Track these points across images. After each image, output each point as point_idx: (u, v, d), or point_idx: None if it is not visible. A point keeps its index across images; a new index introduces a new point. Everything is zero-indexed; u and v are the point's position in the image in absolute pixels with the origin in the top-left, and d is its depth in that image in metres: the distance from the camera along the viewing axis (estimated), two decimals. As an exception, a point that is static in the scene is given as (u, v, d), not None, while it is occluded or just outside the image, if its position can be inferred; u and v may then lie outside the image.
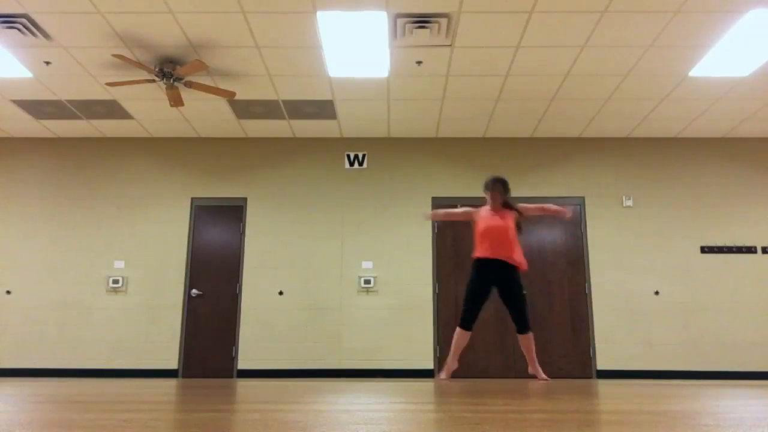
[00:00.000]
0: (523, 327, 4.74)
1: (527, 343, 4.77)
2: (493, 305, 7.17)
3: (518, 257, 4.76)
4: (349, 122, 7.18)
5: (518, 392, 2.49)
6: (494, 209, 4.88)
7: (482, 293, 4.77)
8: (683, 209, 7.37)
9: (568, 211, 4.84)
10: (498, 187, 4.87)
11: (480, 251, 4.80)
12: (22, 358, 7.05)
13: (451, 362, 4.88)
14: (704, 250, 7.24)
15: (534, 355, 4.82)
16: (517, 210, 4.87)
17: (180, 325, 7.13)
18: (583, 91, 6.35)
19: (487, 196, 4.92)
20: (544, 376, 4.91)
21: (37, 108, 6.82)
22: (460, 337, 4.77)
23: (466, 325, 4.75)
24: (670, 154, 7.54)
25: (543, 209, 4.92)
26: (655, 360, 6.98)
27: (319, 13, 4.96)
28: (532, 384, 3.94)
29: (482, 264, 4.78)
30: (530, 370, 4.88)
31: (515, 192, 7.46)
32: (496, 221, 4.78)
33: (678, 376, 6.94)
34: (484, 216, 4.85)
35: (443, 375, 4.93)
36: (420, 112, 6.92)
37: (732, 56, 5.58)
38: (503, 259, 4.74)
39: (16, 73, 6.00)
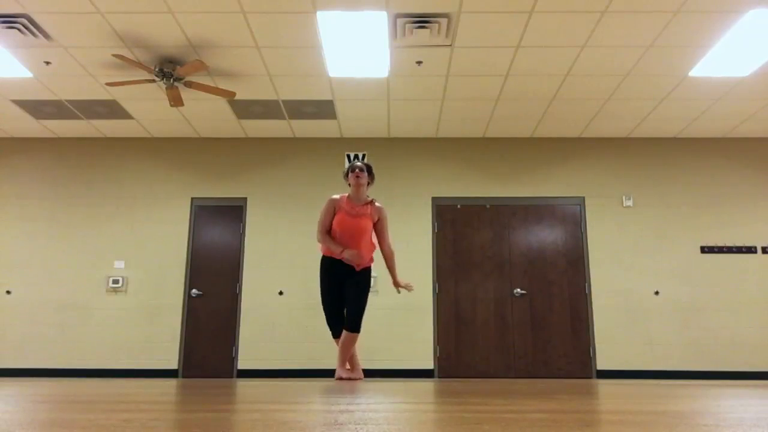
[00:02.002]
0: (355, 326, 4.37)
1: (350, 340, 4.39)
2: (493, 305, 7.18)
3: (369, 256, 4.44)
4: (349, 122, 7.17)
5: (518, 392, 2.49)
6: (356, 199, 4.44)
7: (338, 297, 4.45)
8: (683, 209, 7.37)
9: (403, 285, 4.52)
10: (361, 167, 4.45)
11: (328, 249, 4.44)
12: (22, 358, 7.04)
13: (349, 366, 4.53)
14: (704, 250, 7.24)
15: (347, 355, 4.44)
16: (378, 210, 4.47)
17: (180, 325, 7.13)
18: (583, 91, 6.35)
19: (350, 180, 4.44)
20: (344, 374, 4.48)
21: (37, 108, 6.82)
22: (339, 342, 4.45)
23: (337, 334, 4.44)
24: (670, 154, 7.54)
25: (388, 262, 4.52)
26: (655, 360, 6.98)
27: (319, 13, 4.96)
28: (532, 384, 3.94)
29: (333, 264, 4.44)
30: (340, 373, 4.46)
31: (515, 192, 7.46)
32: (353, 218, 4.37)
33: (678, 376, 6.94)
34: (341, 209, 4.42)
35: (343, 374, 4.53)
36: (420, 112, 6.92)
37: (732, 56, 5.58)
38: (358, 266, 4.43)
39: (16, 73, 6.00)
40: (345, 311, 4.46)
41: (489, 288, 7.21)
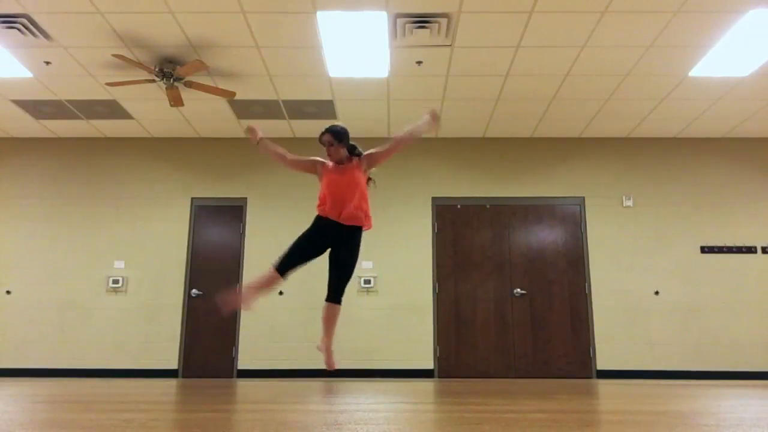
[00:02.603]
0: (336, 297, 4.13)
1: (333, 313, 4.16)
2: (493, 305, 7.18)
3: (366, 214, 4.15)
4: (349, 122, 7.16)
5: (518, 392, 2.49)
6: (337, 163, 4.21)
7: (313, 252, 4.14)
8: (683, 209, 7.37)
9: (433, 116, 4.18)
10: (327, 138, 4.16)
11: (322, 208, 4.16)
12: (22, 358, 7.04)
13: (252, 293, 4.14)
14: (704, 250, 7.24)
15: (333, 329, 4.18)
16: (365, 158, 4.22)
17: (180, 325, 7.13)
18: (583, 91, 6.35)
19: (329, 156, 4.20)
20: (333, 360, 4.23)
21: (37, 108, 6.82)
22: (269, 276, 4.05)
23: (282, 270, 4.05)
24: (670, 154, 7.54)
25: (406, 141, 4.22)
26: (655, 360, 6.98)
27: (319, 13, 4.96)
28: (532, 384, 3.93)
29: (324, 223, 4.14)
30: (321, 346, 4.22)
31: (515, 192, 7.46)
32: (340, 175, 4.14)
33: (678, 376, 6.94)
34: (327, 170, 4.19)
35: (242, 297, 4.23)
36: (420, 112, 6.89)
37: (732, 56, 5.58)
38: (350, 223, 4.11)
39: (16, 73, 6.00)
40: (330, 280, 4.14)
41: (489, 288, 7.21)
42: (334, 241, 4.16)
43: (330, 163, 4.21)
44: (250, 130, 4.35)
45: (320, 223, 4.15)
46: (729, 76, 5.99)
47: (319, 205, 4.19)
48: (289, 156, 4.30)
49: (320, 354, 7.00)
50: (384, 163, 4.28)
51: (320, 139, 4.18)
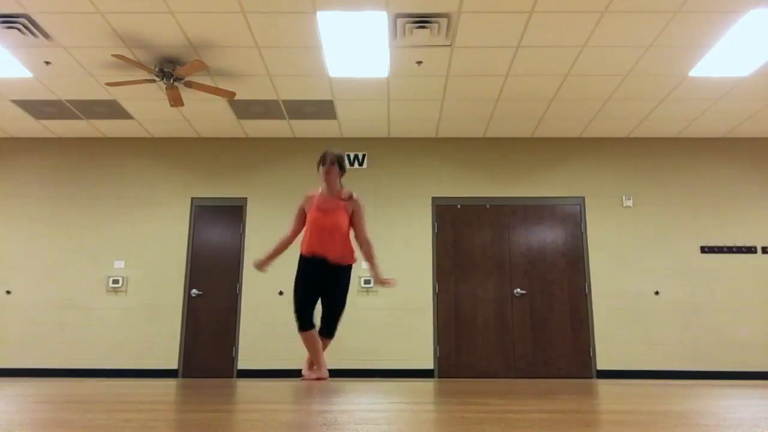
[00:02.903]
0: (330, 332, 4.25)
1: (324, 346, 4.28)
2: (493, 305, 7.18)
3: (348, 253, 4.21)
4: (349, 122, 7.17)
5: (518, 392, 2.49)
6: (329, 193, 4.23)
7: (314, 294, 4.21)
8: (683, 209, 7.37)
9: (382, 282, 4.23)
10: (333, 158, 4.20)
11: (305, 246, 4.20)
12: (22, 358, 7.04)
13: (318, 365, 4.28)
14: (704, 250, 7.24)
15: (321, 358, 4.25)
16: (355, 204, 4.25)
17: (180, 325, 7.13)
18: (583, 91, 6.35)
19: (321, 176, 4.23)
20: (312, 375, 4.30)
21: (37, 108, 6.82)
22: (307, 339, 4.17)
23: (306, 326, 4.15)
24: (670, 154, 7.54)
25: (367, 254, 4.27)
26: (655, 360, 6.98)
27: (319, 13, 4.96)
28: (532, 384, 3.94)
29: (311, 262, 4.19)
30: (309, 374, 4.29)
31: (515, 192, 7.46)
32: (325, 213, 4.16)
33: (678, 376, 6.94)
34: (315, 204, 4.21)
35: (310, 375, 4.33)
36: (420, 112, 6.92)
37: (732, 56, 5.58)
38: (337, 263, 4.20)
39: (16, 73, 6.00)
40: (322, 314, 4.23)
41: (489, 288, 7.21)
42: (326, 276, 4.22)
43: (316, 196, 4.24)
44: (260, 265, 4.36)
45: (306, 261, 4.20)
46: (729, 76, 5.99)
47: (302, 243, 4.24)
48: (294, 229, 4.36)
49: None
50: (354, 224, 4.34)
51: (327, 156, 4.21)
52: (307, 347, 4.20)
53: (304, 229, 4.26)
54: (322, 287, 4.25)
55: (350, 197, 4.26)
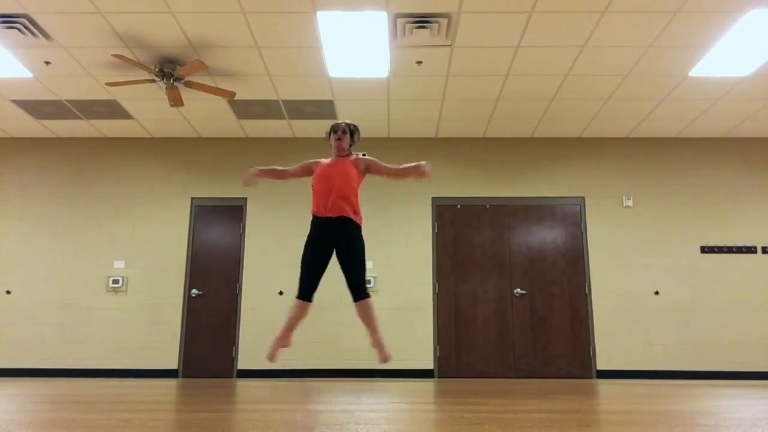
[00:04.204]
0: (360, 294, 4.00)
1: (365, 310, 4.02)
2: (493, 305, 7.18)
3: (353, 209, 4.02)
4: (349, 122, 7.17)
5: (518, 392, 2.49)
6: (337, 158, 4.13)
7: (318, 257, 4.02)
8: (683, 209, 7.37)
9: (425, 169, 3.95)
10: (345, 126, 4.11)
11: (313, 205, 4.07)
12: (22, 358, 7.04)
13: (283, 337, 4.08)
14: (704, 250, 7.24)
15: (377, 324, 4.05)
16: (363, 160, 4.12)
17: (180, 325, 7.13)
18: (583, 91, 6.35)
19: (332, 143, 4.13)
20: (387, 352, 4.15)
21: (37, 108, 6.82)
22: (296, 308, 3.99)
23: (302, 295, 3.98)
24: (670, 154, 7.54)
25: (398, 172, 4.02)
26: (655, 360, 6.98)
27: (319, 13, 4.96)
28: (532, 384, 3.93)
29: (316, 222, 4.03)
30: (372, 342, 4.10)
31: (515, 192, 7.46)
32: (331, 166, 4.04)
33: (678, 376, 6.94)
34: (321, 165, 4.11)
35: (271, 351, 4.12)
36: (420, 112, 6.92)
37: (732, 56, 5.58)
38: (335, 214, 3.99)
39: (16, 73, 6.00)
40: (346, 282, 4.02)
41: (489, 288, 7.21)
42: (332, 239, 4.04)
43: (326, 161, 4.16)
44: (248, 178, 4.18)
45: (313, 224, 4.08)
46: (729, 76, 5.99)
47: (312, 205, 4.15)
48: (289, 168, 4.24)
49: (320, 354, 7.01)
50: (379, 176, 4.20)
51: (339, 125, 4.13)
52: (291, 315, 4.00)
53: (313, 191, 4.12)
54: (329, 254, 4.06)
55: (358, 156, 4.14)
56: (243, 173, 4.27)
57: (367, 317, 4.02)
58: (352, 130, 4.18)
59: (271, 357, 4.10)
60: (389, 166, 4.11)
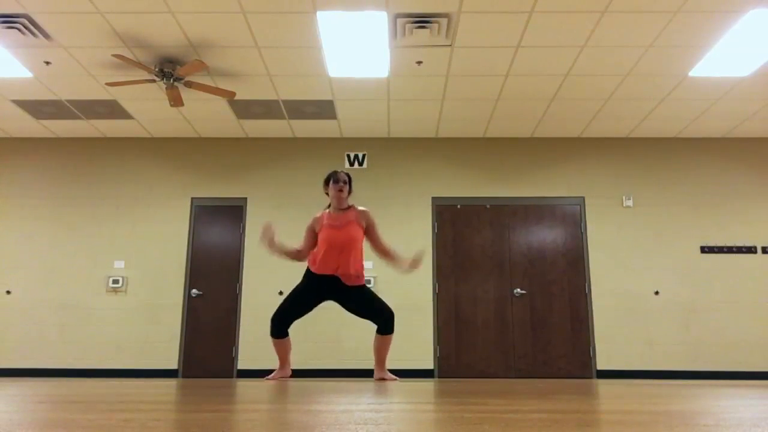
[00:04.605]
0: (388, 327, 4.20)
1: (387, 344, 4.26)
2: (493, 305, 7.18)
3: (360, 272, 4.20)
4: (349, 122, 7.18)
5: (518, 392, 2.49)
6: (335, 211, 4.22)
7: (309, 305, 4.20)
8: (683, 209, 7.37)
9: (416, 266, 4.25)
10: (345, 177, 4.21)
11: (317, 264, 4.16)
12: (22, 358, 7.04)
13: (282, 368, 4.34)
14: (704, 250, 7.24)
15: (385, 357, 4.29)
16: (365, 215, 4.21)
17: (180, 325, 7.13)
18: (583, 91, 6.35)
19: (332, 192, 4.19)
20: (392, 376, 4.40)
21: (37, 108, 6.82)
22: (279, 345, 4.21)
23: (280, 333, 4.17)
24: (670, 154, 7.54)
25: (388, 254, 4.26)
26: (655, 360, 6.98)
27: (319, 13, 4.96)
28: (532, 384, 3.93)
29: (317, 278, 4.19)
30: (377, 374, 4.33)
31: (515, 192, 7.46)
32: (338, 230, 4.14)
33: (678, 376, 6.94)
34: (327, 222, 4.18)
35: (272, 378, 4.36)
36: (420, 112, 6.92)
37: (732, 56, 5.58)
38: (344, 280, 4.16)
39: (16, 73, 6.00)
40: (374, 318, 4.18)
41: (489, 288, 7.21)
42: (335, 295, 4.21)
43: (325, 216, 4.22)
44: (269, 241, 4.24)
45: (314, 278, 4.18)
46: (729, 76, 5.99)
47: (312, 262, 4.21)
48: (305, 247, 4.31)
49: (320, 354, 7.05)
50: (371, 240, 4.32)
51: (340, 175, 4.21)
52: (278, 351, 4.26)
53: (317, 249, 4.21)
54: (317, 304, 4.25)
55: (358, 209, 4.25)
56: (265, 229, 4.30)
57: (385, 351, 4.26)
58: (350, 180, 4.28)
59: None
60: (382, 240, 4.28)
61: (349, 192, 4.26)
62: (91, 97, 6.54)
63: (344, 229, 4.14)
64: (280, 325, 4.19)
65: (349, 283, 4.17)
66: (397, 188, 7.47)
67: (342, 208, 4.22)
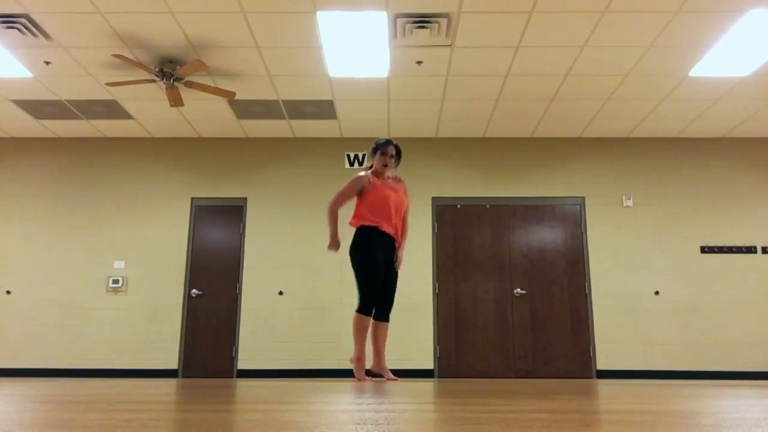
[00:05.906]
0: (387, 315, 4.19)
1: (386, 332, 4.21)
2: (493, 305, 7.17)
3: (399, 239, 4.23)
4: (349, 122, 7.18)
5: (518, 392, 2.49)
6: (383, 177, 4.25)
7: (380, 271, 4.08)
8: (683, 209, 7.37)
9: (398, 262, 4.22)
10: (394, 151, 4.23)
11: (378, 219, 4.09)
12: (22, 358, 7.04)
13: (360, 356, 4.18)
14: (704, 250, 7.24)
15: (384, 347, 4.23)
16: (408, 191, 4.35)
17: (180, 325, 7.13)
18: (583, 91, 6.35)
19: (379, 162, 4.21)
20: (392, 376, 4.36)
21: (37, 108, 6.82)
22: (366, 325, 4.07)
23: (371, 310, 4.06)
24: (670, 154, 7.54)
25: (404, 230, 4.29)
26: (655, 360, 6.98)
27: (319, 13, 4.96)
28: (532, 384, 3.93)
29: (381, 235, 4.09)
30: (375, 367, 4.24)
31: (515, 192, 7.46)
32: (392, 191, 4.17)
33: (678, 376, 6.94)
34: (375, 183, 4.16)
35: (359, 376, 4.22)
36: (420, 112, 6.92)
37: (732, 56, 5.58)
38: (395, 237, 4.17)
39: (16, 73, 6.00)
40: (380, 297, 4.13)
41: (489, 288, 7.21)
42: (389, 257, 4.18)
43: (371, 177, 4.20)
44: (336, 246, 4.22)
45: (374, 236, 4.08)
46: (729, 76, 5.99)
47: (365, 218, 4.10)
48: (342, 202, 4.24)
49: (320, 354, 7.03)
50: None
51: (387, 148, 4.20)
52: (362, 337, 4.05)
53: (365, 206, 4.11)
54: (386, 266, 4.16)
55: (402, 181, 4.34)
56: (329, 248, 4.31)
57: (384, 339, 4.20)
58: (400, 153, 4.30)
59: (363, 378, 4.21)
60: (407, 220, 4.34)
61: (396, 165, 4.30)
62: (91, 97, 6.54)
63: (400, 194, 4.23)
64: (375, 299, 4.05)
65: (396, 245, 4.22)
66: (397, 188, 7.46)
67: (384, 175, 4.28)
